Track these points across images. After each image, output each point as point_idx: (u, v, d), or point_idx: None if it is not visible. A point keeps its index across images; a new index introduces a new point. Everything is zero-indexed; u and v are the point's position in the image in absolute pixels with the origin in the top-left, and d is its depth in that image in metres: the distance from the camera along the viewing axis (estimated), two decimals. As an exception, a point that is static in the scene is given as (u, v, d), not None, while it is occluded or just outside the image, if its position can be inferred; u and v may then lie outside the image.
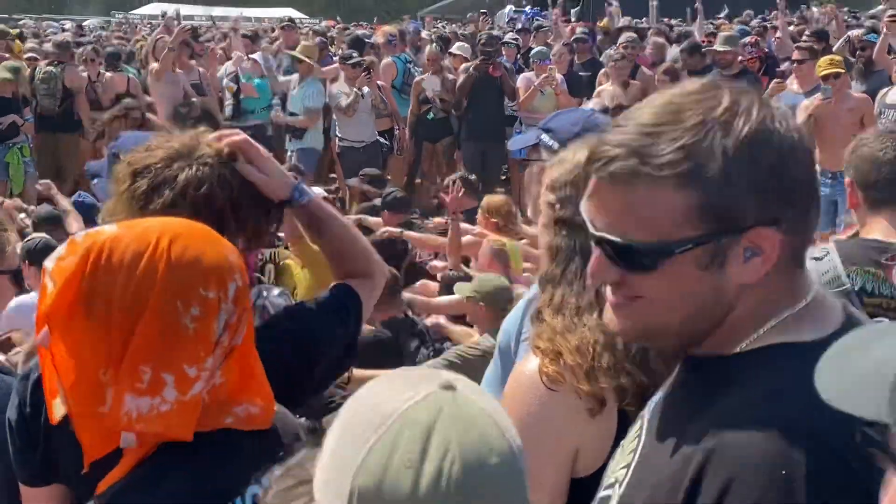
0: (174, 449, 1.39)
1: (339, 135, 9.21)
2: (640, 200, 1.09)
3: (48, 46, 10.58)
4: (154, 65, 9.47)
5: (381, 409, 0.97)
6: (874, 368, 0.78)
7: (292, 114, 9.29)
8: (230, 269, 1.40)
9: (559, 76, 9.45)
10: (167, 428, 1.35)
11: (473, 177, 7.44)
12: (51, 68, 9.49)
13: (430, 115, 9.69)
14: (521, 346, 2.23)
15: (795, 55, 7.99)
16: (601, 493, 1.28)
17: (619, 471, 1.25)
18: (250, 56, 10.11)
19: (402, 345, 4.83)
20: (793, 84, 7.99)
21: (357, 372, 4.05)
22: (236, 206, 1.72)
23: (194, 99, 9.01)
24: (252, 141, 1.80)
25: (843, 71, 7.25)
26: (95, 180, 3.48)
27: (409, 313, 5.07)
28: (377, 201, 7.07)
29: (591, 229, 1.15)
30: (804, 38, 9.39)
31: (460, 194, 6.21)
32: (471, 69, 9.43)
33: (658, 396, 1.29)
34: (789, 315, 1.13)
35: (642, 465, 1.20)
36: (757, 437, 1.04)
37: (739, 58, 9.18)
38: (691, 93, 1.13)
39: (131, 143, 3.29)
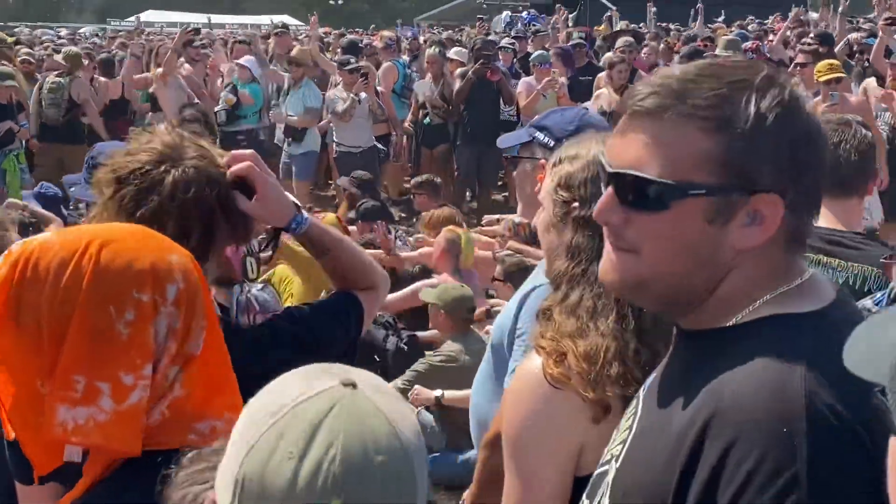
0: (131, 467, 1.34)
1: (336, 140, 9.17)
2: (668, 136, 1.12)
3: (57, 57, 10.51)
4: (158, 70, 9.43)
5: (279, 399, 0.98)
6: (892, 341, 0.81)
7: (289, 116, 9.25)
8: (169, 270, 1.36)
9: (562, 79, 9.41)
10: (106, 439, 1.30)
11: (438, 180, 7.47)
12: (59, 79, 9.46)
13: (427, 121, 9.65)
14: (515, 343, 2.21)
15: (799, 58, 7.93)
16: (598, 470, 1.29)
17: (615, 447, 1.26)
18: (238, 62, 9.96)
19: (373, 336, 5.05)
20: (796, 86, 7.92)
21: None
22: (225, 205, 1.70)
23: (197, 101, 9.05)
24: (258, 168, 1.76)
25: (844, 75, 7.21)
26: (73, 188, 3.45)
27: None
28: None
29: (608, 168, 1.17)
30: (808, 39, 9.33)
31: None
32: (469, 73, 9.38)
33: (653, 376, 1.29)
34: (785, 290, 1.15)
35: (639, 438, 1.21)
36: (759, 399, 1.05)
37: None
38: (734, 61, 1.21)
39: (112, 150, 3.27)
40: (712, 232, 1.12)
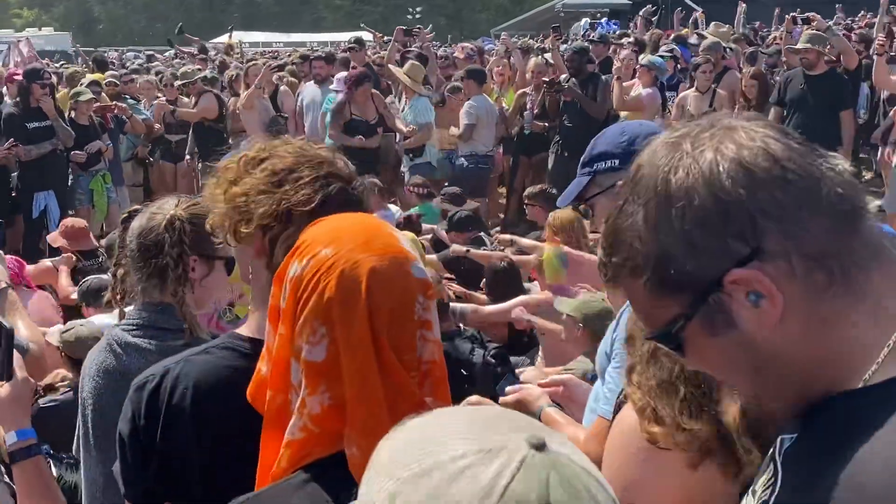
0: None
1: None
2: (630, 295, 1.12)
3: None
4: (243, 97, 9.64)
5: (476, 483, 0.83)
6: None
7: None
8: None
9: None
10: None
11: (554, 190, 7.24)
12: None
13: (527, 131, 9.51)
14: (610, 366, 2.14)
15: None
16: None
17: None
18: (334, 87, 9.58)
19: (458, 349, 4.91)
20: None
21: None
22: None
23: (283, 114, 9.19)
24: None
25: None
26: None
27: (461, 325, 5.23)
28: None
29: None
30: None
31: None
32: (542, 91, 9.26)
33: (789, 441, 1.15)
34: None
35: None
36: None
37: (827, 58, 8.46)
38: (628, 196, 1.11)
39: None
40: (729, 339, 1.04)
